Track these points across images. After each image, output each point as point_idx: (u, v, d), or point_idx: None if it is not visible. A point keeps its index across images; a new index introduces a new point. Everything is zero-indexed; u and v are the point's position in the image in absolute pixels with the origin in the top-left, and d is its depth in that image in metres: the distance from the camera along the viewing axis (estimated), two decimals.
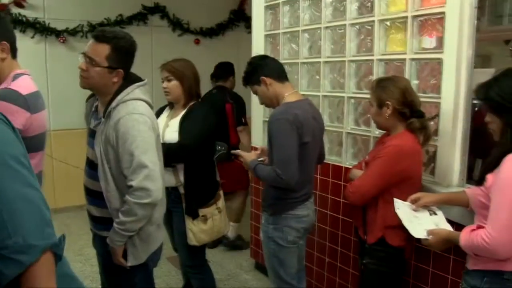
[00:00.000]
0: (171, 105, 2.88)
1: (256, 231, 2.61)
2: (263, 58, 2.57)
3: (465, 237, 1.72)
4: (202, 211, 2.75)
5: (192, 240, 2.75)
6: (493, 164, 1.68)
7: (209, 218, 2.79)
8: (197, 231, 2.75)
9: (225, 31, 6.46)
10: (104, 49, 1.96)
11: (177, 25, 6.10)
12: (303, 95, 3.18)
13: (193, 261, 2.90)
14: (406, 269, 2.62)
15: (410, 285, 2.65)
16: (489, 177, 1.69)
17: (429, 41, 2.48)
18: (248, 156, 2.49)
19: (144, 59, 5.10)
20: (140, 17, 5.81)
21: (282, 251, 2.46)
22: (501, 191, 1.61)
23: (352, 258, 2.96)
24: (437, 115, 2.41)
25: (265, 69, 2.43)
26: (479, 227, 1.69)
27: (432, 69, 2.47)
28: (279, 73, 2.45)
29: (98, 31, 2.04)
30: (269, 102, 2.48)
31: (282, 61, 3.30)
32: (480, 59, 7.73)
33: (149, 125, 1.99)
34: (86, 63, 1.98)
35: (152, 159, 1.95)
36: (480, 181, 1.76)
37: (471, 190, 1.94)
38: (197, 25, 6.25)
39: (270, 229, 2.45)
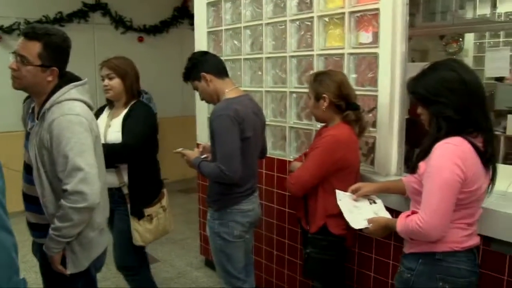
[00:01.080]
0: (110, 104, 2.82)
1: (205, 228, 2.62)
2: (203, 54, 2.56)
3: (401, 223, 1.80)
4: (147, 211, 2.73)
5: (138, 240, 2.71)
6: (424, 153, 1.76)
7: (154, 217, 2.77)
8: (142, 231, 2.72)
9: (169, 29, 6.42)
10: (35, 47, 1.87)
11: (120, 23, 6.00)
12: (246, 91, 3.21)
13: (132, 262, 2.84)
14: (350, 257, 2.71)
15: (355, 272, 2.75)
16: (421, 164, 1.77)
17: (366, 36, 2.57)
18: (191, 154, 2.49)
19: (86, 58, 5.00)
20: (81, 15, 5.65)
21: (228, 246, 2.47)
22: (430, 178, 1.69)
23: (299, 249, 3.02)
24: (374, 108, 2.50)
25: (206, 65, 2.42)
26: (414, 212, 1.78)
27: (369, 63, 2.55)
28: (220, 69, 2.46)
29: (28, 28, 1.93)
30: (209, 98, 2.48)
31: (224, 58, 3.34)
32: (418, 53, 8.06)
33: (85, 126, 1.90)
34: (17, 62, 1.88)
35: (88, 162, 1.86)
36: (413, 169, 1.84)
37: (407, 178, 2.03)
38: (140, 23, 6.17)
39: (216, 225, 2.46)
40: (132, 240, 2.71)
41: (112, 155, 2.40)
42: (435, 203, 1.66)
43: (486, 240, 2.09)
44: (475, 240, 1.82)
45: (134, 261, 2.85)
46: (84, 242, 2.00)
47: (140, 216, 2.69)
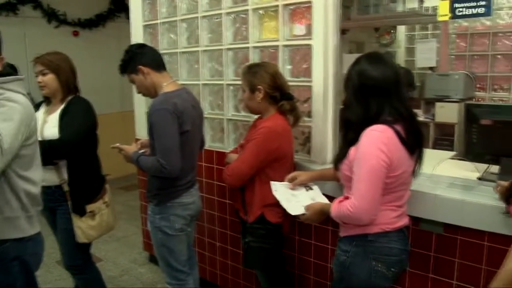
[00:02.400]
0: (47, 100, 2.73)
1: (147, 224, 2.60)
2: (140, 46, 2.53)
3: (334, 208, 1.87)
4: (89, 207, 2.67)
5: (81, 238, 2.66)
6: (354, 138, 1.83)
7: (97, 213, 2.72)
8: (85, 228, 2.67)
9: (105, 22, 6.25)
10: None
11: (53, 16, 5.78)
12: (183, 84, 3.19)
13: (77, 260, 2.79)
14: (291, 244, 2.78)
15: (296, 259, 2.82)
16: (352, 151, 1.85)
17: (300, 29, 2.63)
18: (129, 149, 2.46)
19: (16, 53, 4.79)
20: (9, 7, 5.38)
21: (170, 240, 2.47)
22: (359, 165, 1.76)
23: (241, 240, 3.06)
24: (309, 98, 2.57)
25: (143, 58, 2.40)
26: (346, 198, 1.85)
27: (303, 54, 2.61)
28: (157, 63, 2.44)
29: None
30: (146, 91, 2.46)
31: (161, 51, 3.28)
32: (355, 45, 8.29)
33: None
34: None
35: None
36: (345, 155, 1.91)
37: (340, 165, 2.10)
38: (75, 16, 5.97)
39: (157, 219, 2.45)
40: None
41: (49, 151, 2.33)
42: (363, 188, 1.74)
43: (415, 220, 2.21)
44: (404, 221, 1.92)
45: (80, 259, 2.80)
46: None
47: (82, 213, 2.64)
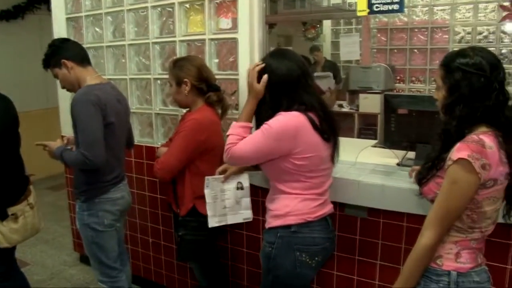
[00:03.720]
0: None
1: (76, 223, 2.53)
2: (64, 41, 2.48)
3: None
4: (11, 210, 2.54)
5: (3, 242, 2.53)
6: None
7: (20, 215, 2.59)
8: (7, 231, 2.53)
9: (24, 14, 5.93)
10: None
11: None
12: (110, 79, 3.13)
13: (0, 267, 2.65)
14: (224, 236, 2.82)
15: (229, 250, 2.87)
16: None
17: (226, 22, 2.65)
18: (54, 144, 2.39)
19: None
20: None
21: (100, 236, 2.43)
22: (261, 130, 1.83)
23: (174, 234, 3.05)
24: (236, 91, 2.61)
25: (66, 52, 2.35)
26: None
27: (230, 48, 2.64)
28: (81, 57, 2.39)
29: None
30: (70, 86, 2.40)
31: (86, 45, 3.21)
32: (283, 38, 8.41)
33: None
34: None
35: None
36: None
37: None
38: None
39: (85, 216, 2.41)
40: None
41: None
42: (249, 150, 1.84)
43: (341, 205, 2.33)
44: (327, 209, 1.98)
45: (3, 265, 2.65)
46: None
47: (3, 216, 2.51)
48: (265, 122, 1.81)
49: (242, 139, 1.86)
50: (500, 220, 1.59)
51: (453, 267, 1.50)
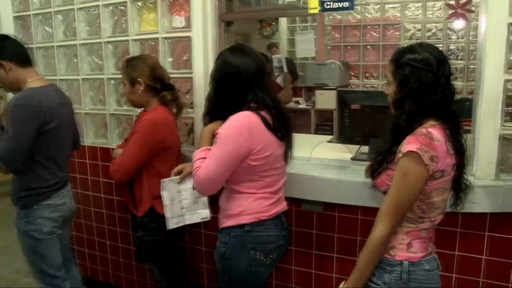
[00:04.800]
0: None
1: None
2: (3, 38, 2.32)
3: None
4: None
5: None
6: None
7: None
8: None
9: None
10: None
11: None
12: (62, 80, 3.07)
13: None
14: (183, 236, 2.80)
15: (188, 249, 2.87)
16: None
17: (179, 21, 2.63)
18: None
19: None
20: None
21: (40, 244, 2.35)
22: (217, 144, 1.82)
23: (132, 236, 3.01)
24: (190, 89, 2.60)
25: (5, 51, 2.22)
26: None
27: (184, 46, 2.63)
28: (21, 57, 2.27)
29: None
30: (9, 87, 2.31)
31: (36, 45, 3.14)
32: (241, 37, 8.41)
33: None
34: None
35: None
36: None
37: None
38: None
39: (23, 223, 2.32)
40: None
41: None
42: (212, 165, 1.80)
43: (297, 201, 2.36)
44: (281, 207, 1.99)
45: None
46: None
47: None
48: (217, 131, 1.81)
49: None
50: (448, 209, 1.65)
51: (405, 256, 1.56)
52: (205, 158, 1.84)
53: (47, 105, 2.19)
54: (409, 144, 1.46)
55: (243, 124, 1.79)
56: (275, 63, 4.98)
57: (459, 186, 1.62)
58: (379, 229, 1.52)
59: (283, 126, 1.90)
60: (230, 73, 1.85)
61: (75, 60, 3.05)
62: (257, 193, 1.89)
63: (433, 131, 1.48)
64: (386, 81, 1.67)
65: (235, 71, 1.84)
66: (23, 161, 2.17)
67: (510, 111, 1.98)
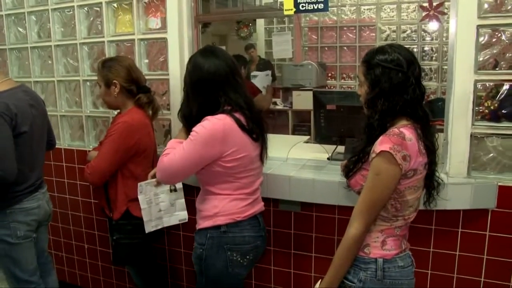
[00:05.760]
0: None
1: None
2: None
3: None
4: None
5: None
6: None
7: None
8: None
9: None
10: None
11: None
12: (37, 82, 3.03)
13: None
14: (162, 238, 2.80)
15: (167, 251, 2.86)
16: None
17: (155, 22, 2.63)
18: None
19: None
20: None
21: (14, 249, 2.30)
22: (191, 142, 1.80)
23: (109, 238, 3.00)
24: (167, 91, 2.60)
25: None
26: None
27: (160, 48, 2.63)
28: None
29: None
30: None
31: (9, 47, 3.10)
32: (218, 38, 8.40)
33: None
34: None
35: None
36: None
37: None
38: None
39: None
40: None
41: None
42: (179, 158, 1.80)
43: (274, 201, 2.38)
44: (257, 207, 2.00)
45: None
46: None
47: None
48: (192, 129, 1.81)
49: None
50: (422, 207, 1.69)
51: (380, 254, 1.58)
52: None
53: (15, 109, 2.15)
54: (382, 144, 1.49)
55: (217, 127, 1.79)
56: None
57: (431, 184, 1.66)
58: (354, 228, 1.55)
59: (257, 126, 1.91)
60: (203, 77, 1.84)
61: (49, 62, 3.02)
62: (232, 194, 1.89)
63: (405, 130, 1.51)
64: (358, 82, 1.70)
65: (207, 75, 1.84)
66: (13, 163, 2.12)
67: (480, 110, 2.02)
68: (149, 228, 2.23)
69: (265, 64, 6.44)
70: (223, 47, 6.40)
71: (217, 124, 1.79)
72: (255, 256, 2.01)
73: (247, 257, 1.94)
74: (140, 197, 2.18)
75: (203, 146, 1.78)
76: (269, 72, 5.54)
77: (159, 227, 2.27)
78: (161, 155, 1.87)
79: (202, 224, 1.95)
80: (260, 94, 4.72)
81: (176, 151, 1.82)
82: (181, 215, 2.30)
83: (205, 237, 1.92)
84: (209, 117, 1.81)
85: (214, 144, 1.79)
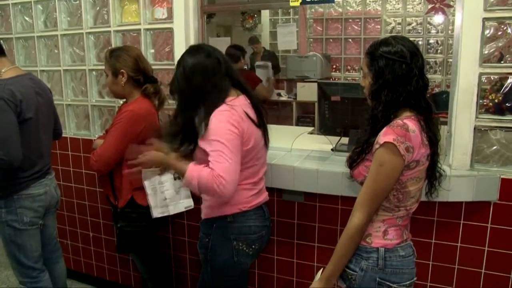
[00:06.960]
0: None
1: None
2: None
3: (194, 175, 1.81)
4: None
5: None
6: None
7: None
8: None
9: None
10: None
11: None
12: (43, 71, 3.04)
13: None
14: (166, 227, 2.82)
15: (171, 240, 2.89)
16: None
17: (161, 12, 2.64)
18: None
19: None
20: None
21: (19, 235, 2.34)
22: (212, 142, 1.78)
23: (113, 226, 3.03)
24: None
25: None
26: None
27: (166, 38, 2.64)
28: None
29: None
30: None
31: (16, 36, 3.11)
32: (223, 28, 8.39)
33: None
34: None
35: None
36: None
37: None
38: None
39: (3, 213, 2.30)
40: None
41: None
42: (231, 163, 1.74)
43: (278, 191, 2.40)
44: (262, 197, 2.02)
45: None
46: None
47: None
48: (215, 139, 1.74)
49: (206, 166, 1.76)
50: (424, 198, 1.70)
51: (381, 244, 1.60)
52: (205, 165, 1.77)
53: (20, 95, 2.17)
54: (385, 135, 1.50)
55: (235, 117, 1.79)
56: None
57: (433, 175, 1.67)
58: (356, 217, 1.57)
59: (257, 115, 1.93)
60: (195, 75, 1.83)
61: (56, 51, 3.03)
62: (239, 184, 1.88)
63: (409, 122, 1.52)
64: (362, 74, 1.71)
65: (197, 72, 1.83)
66: (17, 148, 2.14)
67: (484, 103, 2.03)
68: (156, 213, 2.24)
69: (269, 56, 6.45)
70: (228, 38, 6.42)
71: (229, 116, 1.78)
72: (260, 246, 2.04)
73: (253, 246, 1.97)
74: (144, 183, 2.20)
75: (239, 139, 1.78)
76: (269, 64, 5.53)
77: (166, 214, 2.28)
78: (208, 167, 1.76)
79: (208, 213, 1.97)
80: (261, 84, 4.73)
81: (221, 160, 1.73)
82: (186, 202, 2.32)
83: (211, 227, 1.95)
84: (216, 113, 1.79)
85: (242, 132, 1.80)
